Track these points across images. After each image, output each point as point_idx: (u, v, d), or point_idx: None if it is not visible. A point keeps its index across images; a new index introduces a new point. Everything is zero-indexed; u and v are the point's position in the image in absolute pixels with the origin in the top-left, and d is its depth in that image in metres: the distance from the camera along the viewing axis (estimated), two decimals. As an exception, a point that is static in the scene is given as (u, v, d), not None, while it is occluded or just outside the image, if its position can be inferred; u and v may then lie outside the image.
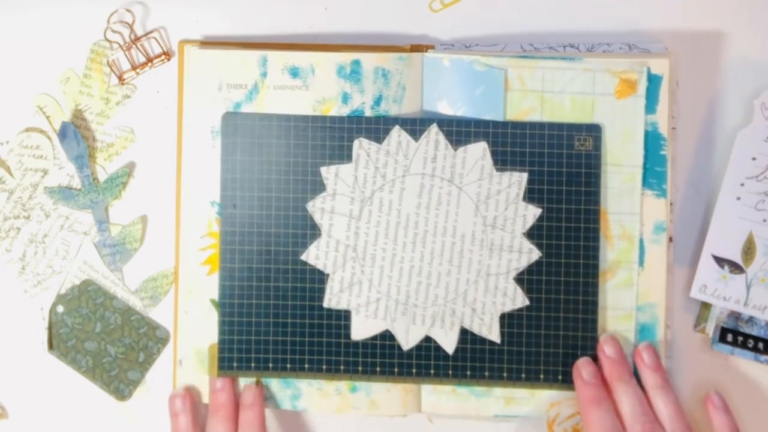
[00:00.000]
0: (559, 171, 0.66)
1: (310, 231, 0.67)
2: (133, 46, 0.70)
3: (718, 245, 0.67)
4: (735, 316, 0.67)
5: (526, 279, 0.67)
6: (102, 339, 0.70)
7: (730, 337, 0.67)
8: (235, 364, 0.67)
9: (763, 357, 0.67)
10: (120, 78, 0.70)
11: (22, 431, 0.71)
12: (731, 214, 0.67)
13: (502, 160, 0.66)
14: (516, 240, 0.66)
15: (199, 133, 0.68)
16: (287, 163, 0.67)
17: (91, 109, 0.70)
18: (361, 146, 0.67)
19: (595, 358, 0.67)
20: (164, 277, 0.70)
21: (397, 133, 0.67)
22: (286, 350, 0.67)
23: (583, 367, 0.66)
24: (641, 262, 0.67)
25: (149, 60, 0.70)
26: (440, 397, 0.68)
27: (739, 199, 0.67)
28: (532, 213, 0.66)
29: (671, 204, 0.67)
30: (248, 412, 0.66)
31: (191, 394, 0.68)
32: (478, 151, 0.67)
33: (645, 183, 0.67)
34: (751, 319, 0.67)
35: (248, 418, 0.66)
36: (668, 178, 0.67)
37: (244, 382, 0.68)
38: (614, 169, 0.67)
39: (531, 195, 0.66)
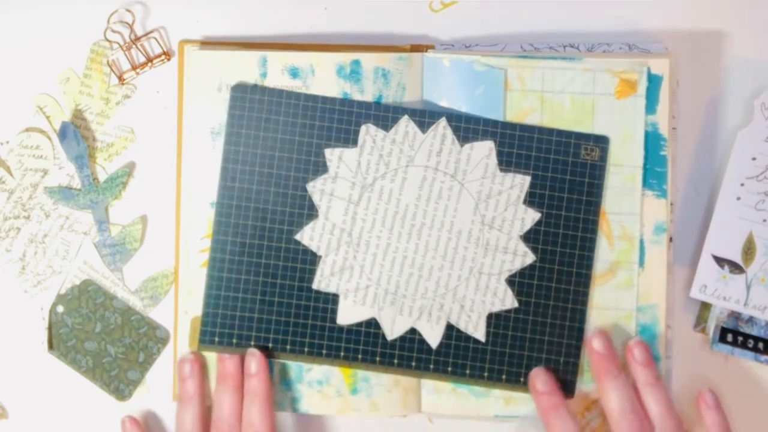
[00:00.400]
0: (562, 178, 0.66)
1: (308, 211, 0.67)
2: (133, 46, 0.70)
3: (718, 245, 0.67)
4: (735, 316, 0.67)
5: (518, 281, 0.67)
6: (102, 339, 0.70)
7: (730, 337, 0.67)
8: (216, 339, 0.67)
9: (763, 357, 0.67)
10: (120, 78, 0.70)
11: (22, 431, 0.71)
12: (731, 214, 0.67)
13: (507, 161, 0.66)
14: (512, 242, 0.66)
15: (199, 134, 0.68)
16: (292, 141, 0.67)
17: (91, 109, 0.70)
18: (368, 132, 0.67)
19: (576, 368, 0.66)
20: (164, 277, 0.70)
21: (405, 123, 0.67)
22: (270, 329, 0.67)
23: (536, 377, 0.66)
24: (641, 262, 0.67)
25: (149, 60, 0.70)
26: (440, 397, 0.68)
27: (739, 199, 0.67)
28: (531, 217, 0.66)
29: (671, 204, 0.67)
30: (253, 380, 0.66)
31: (200, 359, 0.68)
32: (484, 149, 0.67)
33: (645, 183, 0.67)
34: (751, 319, 0.67)
35: (253, 387, 0.66)
36: (668, 178, 0.67)
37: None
38: (614, 170, 0.67)
39: (532, 199, 0.66)
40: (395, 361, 0.67)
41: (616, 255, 0.67)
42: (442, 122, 0.66)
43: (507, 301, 0.67)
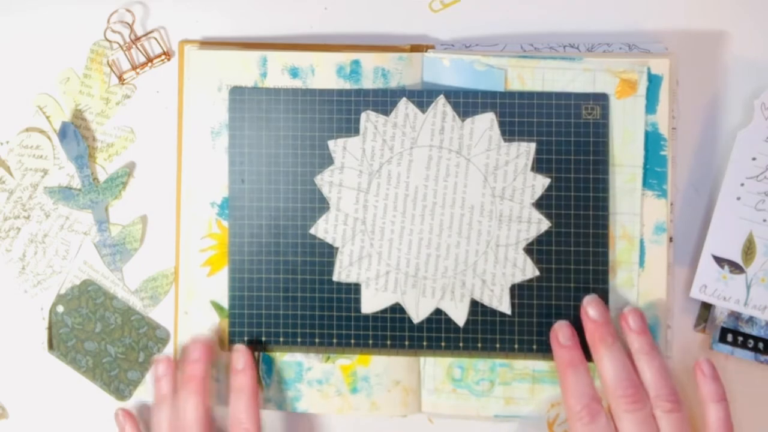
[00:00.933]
0: (567, 140, 0.66)
1: (319, 205, 0.67)
2: (133, 46, 0.70)
3: (718, 245, 0.67)
4: (735, 316, 0.67)
5: (536, 249, 0.67)
6: (102, 339, 0.70)
7: (730, 337, 0.67)
8: (246, 339, 0.68)
9: (763, 357, 0.67)
10: (120, 78, 0.70)
11: (22, 431, 0.71)
12: (731, 214, 0.67)
13: (510, 131, 0.66)
14: (525, 210, 0.66)
15: (199, 133, 0.68)
16: (295, 137, 0.67)
17: (91, 109, 0.70)
18: (369, 119, 0.67)
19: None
20: (164, 277, 0.70)
21: (404, 105, 0.67)
22: (297, 324, 0.67)
23: (559, 330, 0.65)
24: (641, 262, 0.67)
25: (149, 60, 0.70)
26: (440, 397, 0.68)
27: (739, 199, 0.67)
28: (541, 183, 0.66)
29: (671, 204, 0.67)
30: (239, 376, 0.66)
31: (172, 360, 0.68)
32: (486, 121, 0.67)
33: (645, 183, 0.67)
34: (751, 319, 0.67)
35: (239, 383, 0.65)
36: (668, 178, 0.67)
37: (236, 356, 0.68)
38: (615, 170, 0.67)
39: (539, 165, 0.66)
40: (424, 343, 0.67)
41: (616, 255, 0.67)
42: (441, 100, 0.66)
43: (527, 270, 0.67)
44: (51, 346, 0.70)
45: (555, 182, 0.66)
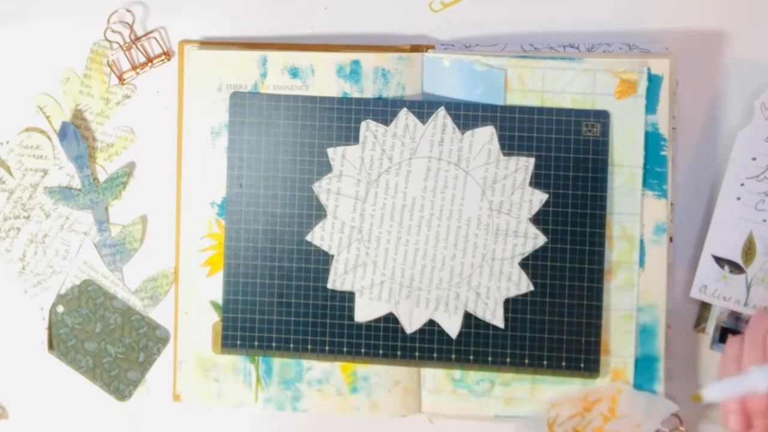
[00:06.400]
0: (566, 156, 0.66)
1: (316, 212, 0.67)
2: (133, 46, 0.70)
3: (718, 245, 0.67)
4: (735, 316, 0.67)
5: (531, 264, 0.67)
6: (102, 339, 0.70)
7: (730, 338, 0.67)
8: (238, 342, 0.68)
9: (763, 357, 0.67)
10: (120, 78, 0.70)
11: (22, 431, 0.71)
12: (731, 214, 0.67)
13: (509, 145, 0.66)
14: (522, 225, 0.66)
15: (199, 133, 0.68)
16: (294, 143, 0.67)
17: (91, 109, 0.70)
18: (369, 128, 0.67)
19: (598, 347, 0.66)
20: (164, 277, 0.70)
21: (404, 116, 0.67)
22: (290, 330, 0.67)
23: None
24: (642, 262, 0.67)
25: (149, 60, 0.70)
26: (440, 397, 0.68)
27: (739, 199, 0.67)
28: (539, 198, 0.66)
29: (671, 204, 0.67)
30: None
31: None
32: (486, 135, 0.67)
33: (645, 183, 0.67)
34: (751, 319, 0.67)
35: None
36: (668, 178, 0.67)
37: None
38: (615, 170, 0.67)
39: (538, 180, 0.66)
40: (416, 354, 0.67)
41: (616, 255, 0.67)
42: (441, 111, 0.66)
43: (522, 285, 0.67)
44: (51, 346, 0.70)
45: (553, 198, 0.66)
